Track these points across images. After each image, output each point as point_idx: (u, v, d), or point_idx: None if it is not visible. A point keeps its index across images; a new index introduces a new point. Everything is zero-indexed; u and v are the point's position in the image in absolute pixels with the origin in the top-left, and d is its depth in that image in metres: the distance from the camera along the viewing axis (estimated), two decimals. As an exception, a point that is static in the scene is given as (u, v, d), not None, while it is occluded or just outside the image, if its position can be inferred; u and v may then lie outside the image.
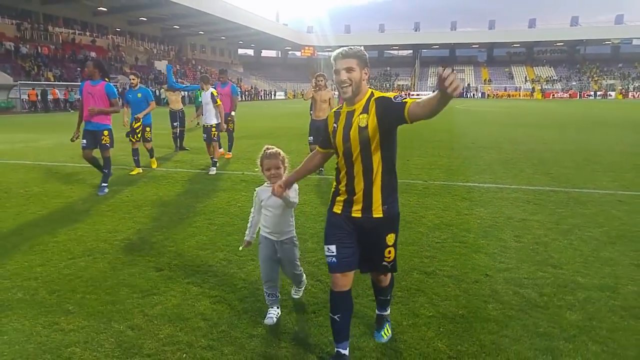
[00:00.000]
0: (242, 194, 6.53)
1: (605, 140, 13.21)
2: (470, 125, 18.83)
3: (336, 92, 9.74)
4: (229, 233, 4.73)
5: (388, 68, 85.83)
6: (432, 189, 6.84)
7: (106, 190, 6.67)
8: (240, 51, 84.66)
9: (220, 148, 8.88)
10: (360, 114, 2.34)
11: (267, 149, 2.85)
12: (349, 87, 2.32)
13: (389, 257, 2.50)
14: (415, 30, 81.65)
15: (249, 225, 3.04)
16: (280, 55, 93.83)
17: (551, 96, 66.59)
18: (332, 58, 2.37)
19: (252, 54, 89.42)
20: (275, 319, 2.94)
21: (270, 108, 37.21)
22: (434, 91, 2.04)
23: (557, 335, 2.79)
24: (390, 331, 2.79)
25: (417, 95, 71.15)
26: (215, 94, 8.33)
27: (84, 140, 6.56)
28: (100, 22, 50.54)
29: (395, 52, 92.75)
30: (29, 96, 32.56)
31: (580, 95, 66.28)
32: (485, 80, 76.55)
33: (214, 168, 8.27)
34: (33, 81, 33.81)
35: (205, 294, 3.35)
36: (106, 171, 6.76)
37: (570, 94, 66.84)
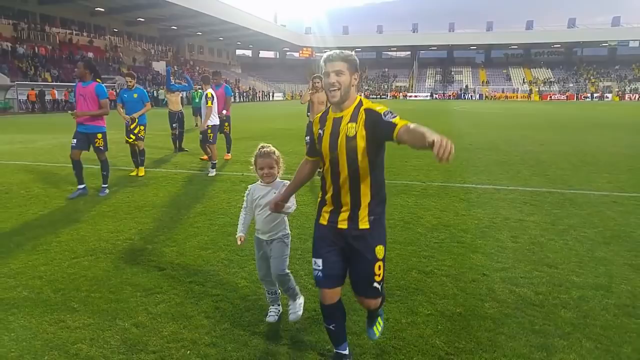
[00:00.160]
0: (243, 195, 6.53)
1: (601, 142, 13.33)
2: (468, 127, 18.94)
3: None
4: (230, 233, 4.78)
5: (386, 69, 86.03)
6: (431, 190, 6.91)
7: (107, 191, 6.71)
8: (238, 52, 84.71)
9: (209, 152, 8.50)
10: (349, 122, 2.26)
11: (262, 147, 2.80)
12: (337, 91, 2.24)
13: (379, 275, 2.35)
14: (413, 32, 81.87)
15: (239, 222, 2.97)
16: (278, 56, 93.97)
17: (548, 98, 66.89)
18: (322, 61, 2.31)
19: (250, 55, 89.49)
20: (277, 317, 3.00)
21: (268, 109, 37.23)
22: (428, 143, 1.88)
23: (552, 333, 2.87)
24: (382, 325, 2.69)
25: (415, 97, 71.42)
26: (210, 95, 8.20)
27: (74, 140, 6.46)
28: (98, 22, 50.44)
29: (393, 53, 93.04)
30: (28, 97, 32.51)
31: (577, 97, 66.60)
32: (482, 81, 76.82)
33: (214, 169, 8.31)
34: (30, 82, 33.76)
35: (208, 292, 3.41)
36: (105, 173, 6.74)
37: (567, 96, 67.18)
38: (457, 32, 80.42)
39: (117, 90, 26.68)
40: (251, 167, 2.87)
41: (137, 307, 3.19)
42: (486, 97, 69.56)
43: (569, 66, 77.51)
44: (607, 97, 65.04)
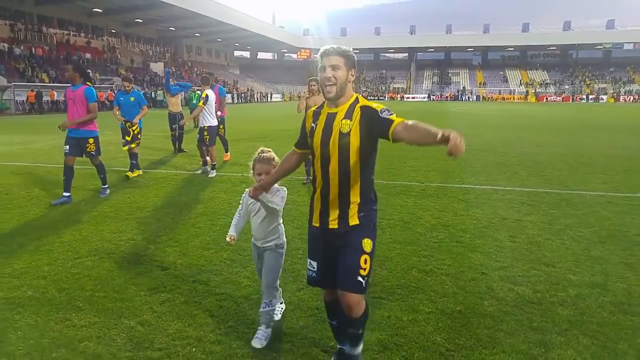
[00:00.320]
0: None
1: (597, 143, 13.44)
2: (466, 128, 19.03)
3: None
4: (232, 233, 4.82)
5: (384, 71, 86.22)
6: (429, 190, 6.98)
7: (107, 191, 6.74)
8: (237, 53, 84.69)
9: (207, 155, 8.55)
10: (343, 118, 2.21)
11: (262, 152, 2.72)
12: (333, 86, 2.18)
13: (365, 269, 2.25)
14: (411, 34, 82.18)
15: (232, 223, 2.90)
16: (276, 58, 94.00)
17: (544, 99, 67.22)
18: (318, 54, 2.24)
19: (248, 56, 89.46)
20: (279, 316, 3.04)
21: (266, 110, 37.27)
22: (439, 138, 1.81)
23: (549, 329, 2.93)
24: (361, 345, 2.46)
25: (413, 98, 71.60)
26: (204, 95, 8.21)
27: (67, 147, 6.30)
28: (95, 23, 50.38)
29: (391, 55, 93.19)
30: (27, 97, 32.42)
31: (572, 98, 66.96)
32: (480, 83, 77.12)
33: (214, 170, 8.34)
34: (27, 82, 33.68)
35: (211, 291, 3.46)
36: (102, 176, 6.71)
37: (563, 98, 67.53)
38: (455, 34, 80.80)
39: (115, 92, 26.63)
40: (250, 171, 2.81)
41: (142, 305, 3.23)
42: (483, 98, 69.80)
43: (565, 68, 77.97)
44: (602, 99, 65.41)
